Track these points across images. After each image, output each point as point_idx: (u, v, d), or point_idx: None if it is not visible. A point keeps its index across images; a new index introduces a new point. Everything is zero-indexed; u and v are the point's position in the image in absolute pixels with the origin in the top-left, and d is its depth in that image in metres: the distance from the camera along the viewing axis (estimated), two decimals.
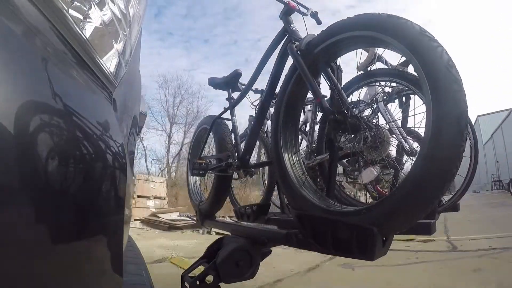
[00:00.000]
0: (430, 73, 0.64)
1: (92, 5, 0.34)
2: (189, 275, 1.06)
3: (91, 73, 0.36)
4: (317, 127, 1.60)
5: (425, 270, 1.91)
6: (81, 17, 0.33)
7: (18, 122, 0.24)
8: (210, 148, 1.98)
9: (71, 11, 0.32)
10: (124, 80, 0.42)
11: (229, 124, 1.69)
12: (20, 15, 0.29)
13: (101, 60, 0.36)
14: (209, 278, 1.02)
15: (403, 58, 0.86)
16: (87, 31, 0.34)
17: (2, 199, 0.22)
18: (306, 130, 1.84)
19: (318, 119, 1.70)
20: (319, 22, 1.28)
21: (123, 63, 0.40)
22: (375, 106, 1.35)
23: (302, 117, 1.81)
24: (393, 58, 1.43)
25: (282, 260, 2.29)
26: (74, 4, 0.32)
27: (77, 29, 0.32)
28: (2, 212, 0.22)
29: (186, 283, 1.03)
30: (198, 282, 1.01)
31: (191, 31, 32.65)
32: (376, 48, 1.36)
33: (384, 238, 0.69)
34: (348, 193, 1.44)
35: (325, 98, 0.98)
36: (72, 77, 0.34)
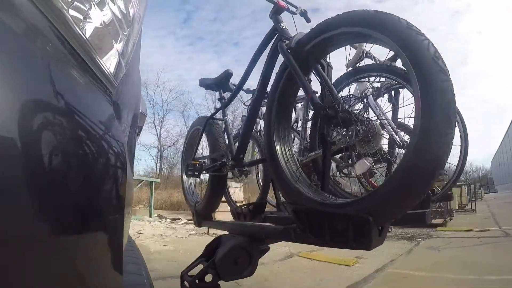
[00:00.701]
0: (418, 64, 0.66)
1: (92, 5, 0.34)
2: (188, 274, 1.06)
3: (91, 73, 0.36)
4: (309, 125, 1.62)
5: (491, 249, 2.75)
6: (81, 17, 0.33)
7: (18, 122, 0.24)
8: (203, 149, 1.98)
9: (71, 11, 0.32)
10: (124, 80, 0.42)
11: (222, 124, 1.69)
12: (20, 15, 0.29)
13: (101, 60, 0.36)
14: (209, 277, 1.02)
15: (391, 54, 0.88)
16: (87, 31, 0.34)
17: (3, 198, 0.22)
18: (297, 128, 1.87)
19: (309, 116, 1.73)
20: (308, 21, 1.30)
21: (123, 63, 0.40)
22: (365, 100, 1.39)
23: (293, 115, 1.84)
24: (381, 54, 1.47)
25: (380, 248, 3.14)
26: (74, 4, 0.32)
27: (77, 29, 0.32)
28: (3, 211, 0.22)
29: (185, 282, 1.03)
30: (197, 281, 1.01)
31: (221, 34, 33.50)
32: (364, 45, 1.40)
33: (380, 228, 0.71)
34: (343, 188, 1.47)
35: (316, 94, 0.99)
36: (72, 77, 0.34)
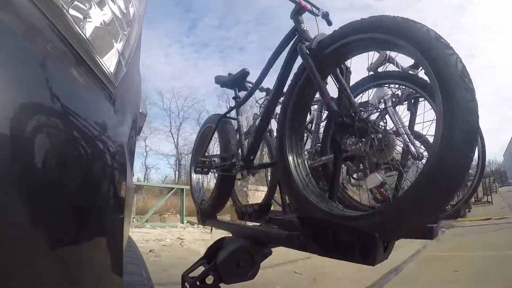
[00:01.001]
0: (444, 81, 0.62)
1: (92, 5, 0.34)
2: (190, 275, 1.06)
3: (91, 73, 0.36)
4: (322, 129, 1.58)
5: (509, 232, 3.22)
6: (81, 16, 0.33)
7: (17, 122, 0.24)
8: (214, 148, 1.98)
9: (71, 11, 0.32)
10: (124, 80, 0.42)
11: (235, 123, 1.68)
12: (20, 15, 0.29)
13: (101, 60, 0.36)
14: (210, 279, 1.02)
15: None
16: (87, 30, 0.33)
17: (3, 199, 0.22)
18: (311, 129, 1.83)
19: (323, 119, 1.69)
20: (329, 23, 1.25)
21: (123, 63, 0.40)
22: (382, 107, 1.34)
23: (308, 116, 1.80)
24: (404, 60, 1.42)
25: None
26: (74, 3, 0.32)
27: (77, 28, 0.32)
28: (3, 212, 0.22)
29: (186, 284, 1.03)
30: (198, 283, 1.01)
31: (226, 40, 33.58)
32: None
33: (385, 244, 0.68)
34: (351, 195, 1.43)
35: (333, 100, 0.95)
36: (72, 77, 0.34)
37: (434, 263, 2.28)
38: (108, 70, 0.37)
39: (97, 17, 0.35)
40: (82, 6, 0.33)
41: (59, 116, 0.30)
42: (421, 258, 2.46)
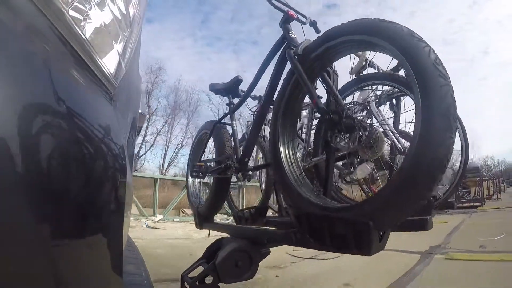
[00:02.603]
0: (419, 70, 0.67)
1: (92, 6, 0.34)
2: (189, 275, 1.06)
3: (91, 73, 0.36)
4: (313, 132, 1.62)
5: None
6: (81, 17, 0.33)
7: (17, 122, 0.24)
8: (209, 154, 2.00)
9: (71, 12, 0.32)
10: (124, 80, 0.42)
11: (229, 129, 1.70)
12: (20, 15, 0.29)
13: (101, 60, 0.36)
14: (209, 279, 1.02)
15: (394, 63, 0.88)
16: (87, 31, 0.34)
17: (3, 199, 0.22)
18: (302, 135, 1.87)
19: (314, 123, 1.72)
20: (317, 31, 1.30)
21: (123, 63, 0.40)
22: (368, 108, 1.38)
23: (298, 123, 1.84)
24: (384, 62, 1.48)
25: (454, 216, 6.43)
26: (74, 4, 0.32)
27: (77, 29, 0.32)
28: (3, 213, 0.22)
29: (185, 284, 1.03)
30: (197, 283, 1.01)
31: (239, 34, 32.95)
32: (368, 53, 1.40)
33: (380, 234, 0.70)
34: (345, 194, 1.46)
35: (321, 100, 1.00)
36: (72, 77, 0.34)
37: (475, 225, 4.69)
38: (108, 71, 0.37)
39: (97, 18, 0.35)
40: (82, 7, 0.33)
41: (58, 116, 0.30)
42: (466, 224, 4.90)
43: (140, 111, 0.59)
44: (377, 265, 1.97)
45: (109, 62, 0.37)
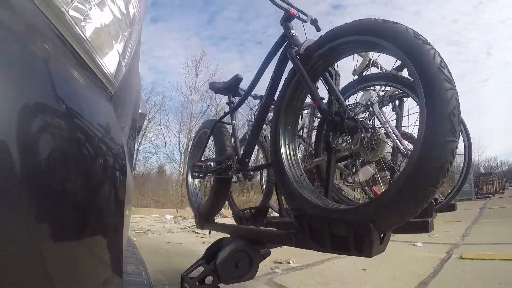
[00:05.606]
0: (424, 73, 0.66)
1: (92, 5, 0.34)
2: (189, 276, 1.06)
3: (91, 73, 0.36)
4: (314, 132, 1.61)
5: None
6: (81, 17, 0.33)
7: (17, 122, 0.24)
8: (209, 153, 1.99)
9: (71, 11, 0.32)
10: (124, 80, 0.42)
11: (229, 128, 1.70)
12: (20, 15, 0.29)
13: (101, 60, 0.36)
14: (209, 279, 1.02)
15: (398, 63, 0.87)
16: (87, 31, 0.34)
17: (3, 199, 0.22)
18: (303, 135, 1.86)
19: (315, 123, 1.72)
20: (318, 29, 1.29)
21: (123, 63, 0.40)
22: (371, 109, 1.37)
23: (299, 122, 1.83)
24: (387, 62, 1.47)
25: (473, 205, 9.21)
26: (74, 4, 0.32)
27: (77, 29, 0.32)
28: (3, 213, 0.22)
29: (185, 284, 1.02)
30: (197, 283, 1.01)
31: (245, 33, 32.79)
32: (372, 53, 1.39)
33: (381, 235, 0.69)
34: (346, 195, 1.45)
35: (323, 101, 0.99)
36: (72, 77, 0.34)
37: (492, 211, 6.16)
38: (108, 71, 0.37)
39: (97, 18, 0.35)
40: (82, 6, 0.33)
41: (58, 116, 0.30)
42: (489, 202, 8.52)
43: (140, 111, 0.59)
44: None
45: (109, 62, 0.37)
